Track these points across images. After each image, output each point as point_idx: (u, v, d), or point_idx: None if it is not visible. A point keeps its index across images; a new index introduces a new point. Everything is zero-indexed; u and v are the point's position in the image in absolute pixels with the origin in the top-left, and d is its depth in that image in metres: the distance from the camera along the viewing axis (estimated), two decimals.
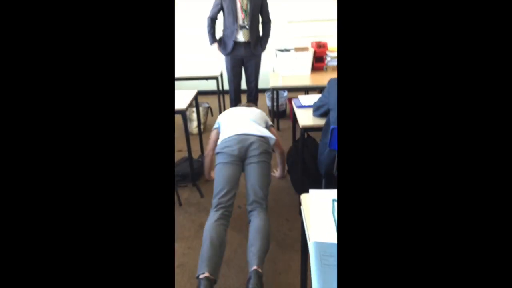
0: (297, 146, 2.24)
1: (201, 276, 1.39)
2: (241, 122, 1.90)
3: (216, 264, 1.45)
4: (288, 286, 1.64)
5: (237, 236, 1.95)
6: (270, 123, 2.17)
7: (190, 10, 4.14)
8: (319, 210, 1.08)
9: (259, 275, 1.38)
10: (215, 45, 3.00)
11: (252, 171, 1.72)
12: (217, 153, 1.83)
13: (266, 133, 1.85)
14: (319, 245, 0.94)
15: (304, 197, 1.18)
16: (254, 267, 1.40)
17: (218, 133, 2.07)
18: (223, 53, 3.02)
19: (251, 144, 1.76)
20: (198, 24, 4.15)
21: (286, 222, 2.08)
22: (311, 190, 1.19)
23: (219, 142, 1.89)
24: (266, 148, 1.79)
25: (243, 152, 1.76)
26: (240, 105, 2.35)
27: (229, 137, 1.82)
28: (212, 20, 2.95)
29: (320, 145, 1.82)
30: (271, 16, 3.01)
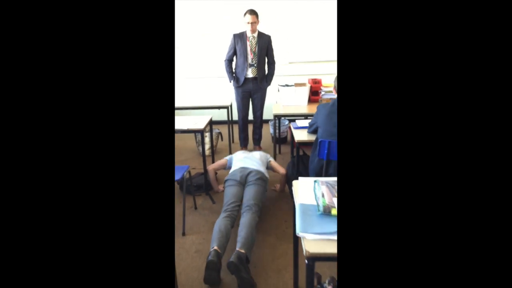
0: (294, 161, 2.70)
1: (211, 249, 1.87)
2: (244, 161, 2.64)
3: (222, 244, 1.92)
4: (284, 266, 2.03)
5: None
6: (270, 159, 2.86)
7: (208, 50, 4.78)
8: (305, 188, 1.53)
9: (238, 254, 1.83)
10: (233, 81, 3.58)
11: (248, 189, 2.36)
12: (226, 180, 2.49)
13: (261, 169, 2.57)
14: (303, 205, 1.37)
15: (295, 182, 1.62)
16: (237, 249, 1.87)
17: (226, 162, 2.82)
18: (234, 86, 3.59)
19: (249, 173, 2.46)
20: (213, 60, 4.78)
21: (284, 222, 2.49)
22: (300, 178, 1.64)
23: (230, 172, 2.59)
24: (261, 176, 2.46)
25: (243, 178, 2.45)
26: (247, 150, 3.17)
27: (234, 170, 2.55)
28: (229, 62, 3.55)
29: (311, 156, 2.28)
30: (276, 59, 3.61)
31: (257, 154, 2.79)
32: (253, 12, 3.33)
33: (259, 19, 3.40)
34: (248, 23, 3.33)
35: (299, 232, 1.19)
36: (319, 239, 1.15)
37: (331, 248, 1.10)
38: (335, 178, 1.58)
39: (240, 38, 3.43)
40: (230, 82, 3.60)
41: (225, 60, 3.56)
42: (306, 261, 1.12)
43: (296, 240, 1.75)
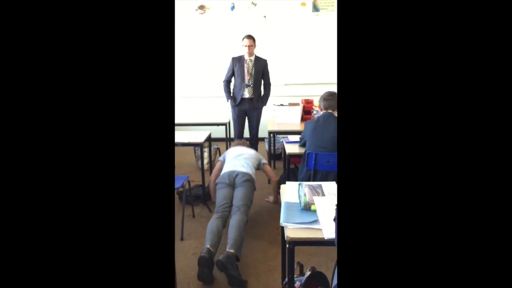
0: (286, 174, 2.91)
1: (204, 248, 2.07)
2: (234, 162, 2.74)
3: (215, 243, 2.12)
4: (274, 267, 2.20)
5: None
6: (264, 161, 2.98)
7: (208, 72, 5.09)
8: (290, 190, 1.74)
9: (227, 254, 2.02)
10: (230, 101, 3.85)
11: (237, 191, 2.56)
12: (217, 183, 2.68)
13: (249, 170, 2.69)
14: (287, 203, 1.59)
15: (283, 186, 1.84)
16: (227, 249, 2.07)
17: (221, 164, 2.93)
18: (232, 105, 3.86)
19: (236, 175, 2.62)
20: (212, 81, 5.08)
21: (275, 229, 2.67)
22: (287, 182, 1.86)
23: (220, 175, 2.73)
24: (247, 178, 2.61)
25: (232, 180, 2.61)
26: (241, 145, 3.18)
27: (224, 173, 2.71)
28: (227, 82, 3.84)
29: (300, 167, 2.50)
30: (273, 81, 3.89)
31: (247, 154, 2.86)
32: (250, 37, 3.66)
33: (256, 43, 3.71)
34: (246, 46, 3.63)
35: (282, 222, 1.40)
36: (298, 227, 1.35)
37: (308, 234, 1.31)
38: (318, 183, 1.79)
39: (238, 61, 3.73)
40: (228, 101, 3.86)
41: (224, 81, 3.85)
42: (287, 245, 1.32)
43: (284, 244, 1.93)
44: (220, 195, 2.52)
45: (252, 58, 3.72)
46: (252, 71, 3.71)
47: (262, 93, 3.87)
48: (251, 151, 2.95)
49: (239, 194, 2.50)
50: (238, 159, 2.77)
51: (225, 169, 2.75)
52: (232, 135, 4.27)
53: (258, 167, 2.92)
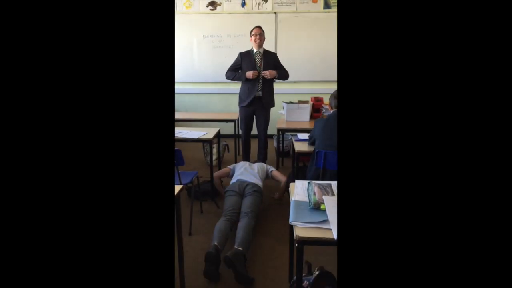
0: (294, 171, 2.91)
1: (212, 245, 2.10)
2: (244, 173, 2.91)
3: (222, 242, 2.15)
4: (281, 265, 2.21)
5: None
6: (272, 169, 3.11)
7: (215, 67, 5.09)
8: (300, 189, 1.74)
9: (235, 251, 2.05)
10: (247, 73, 3.48)
11: (246, 199, 2.62)
12: (226, 190, 2.77)
13: (258, 182, 2.86)
14: (296, 201, 1.58)
15: (292, 184, 1.83)
16: (235, 246, 2.10)
17: (229, 171, 3.09)
18: (239, 105, 3.71)
19: (246, 185, 2.75)
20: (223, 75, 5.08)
21: (283, 227, 2.68)
22: (296, 180, 1.85)
23: (230, 183, 2.88)
24: (257, 189, 2.75)
25: (241, 190, 2.73)
26: (250, 162, 3.30)
27: (234, 182, 2.85)
28: (230, 72, 3.65)
29: (309, 165, 2.49)
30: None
31: (256, 167, 3.04)
32: (259, 27, 3.50)
33: (265, 36, 3.57)
34: (255, 34, 3.44)
35: (291, 221, 1.40)
36: (307, 227, 1.35)
37: (317, 234, 1.30)
38: (327, 182, 1.79)
39: (247, 55, 3.55)
40: (246, 78, 3.51)
41: (227, 71, 3.63)
42: (296, 244, 1.32)
43: (293, 243, 1.93)
44: (229, 201, 2.60)
45: (261, 50, 3.55)
46: (261, 65, 3.54)
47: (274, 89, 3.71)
48: (258, 165, 3.11)
49: (248, 202, 2.57)
50: (248, 171, 2.95)
51: (235, 178, 2.89)
52: (241, 132, 4.28)
53: (267, 176, 3.05)
